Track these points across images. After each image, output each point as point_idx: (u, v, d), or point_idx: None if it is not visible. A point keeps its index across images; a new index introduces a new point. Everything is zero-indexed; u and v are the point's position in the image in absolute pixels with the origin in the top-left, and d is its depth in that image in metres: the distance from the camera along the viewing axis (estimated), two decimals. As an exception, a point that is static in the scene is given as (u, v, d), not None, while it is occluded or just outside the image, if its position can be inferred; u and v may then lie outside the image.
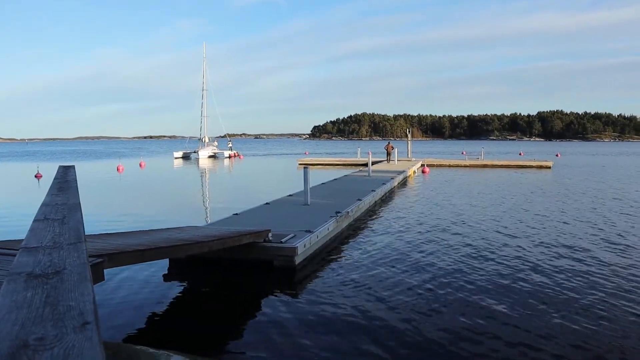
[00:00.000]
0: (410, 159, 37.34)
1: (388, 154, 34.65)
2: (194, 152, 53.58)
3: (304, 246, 8.13)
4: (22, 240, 1.91)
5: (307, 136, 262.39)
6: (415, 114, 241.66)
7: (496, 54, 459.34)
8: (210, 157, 52.27)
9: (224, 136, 62.21)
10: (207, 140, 56.81)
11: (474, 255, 8.77)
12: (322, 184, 18.31)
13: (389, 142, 36.90)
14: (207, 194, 21.37)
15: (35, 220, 2.19)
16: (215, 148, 55.32)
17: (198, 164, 42.58)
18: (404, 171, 25.09)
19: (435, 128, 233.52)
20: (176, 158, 50.88)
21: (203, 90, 58.26)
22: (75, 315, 1.04)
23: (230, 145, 56.08)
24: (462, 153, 51.89)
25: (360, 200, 13.40)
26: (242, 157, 54.96)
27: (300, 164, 37.07)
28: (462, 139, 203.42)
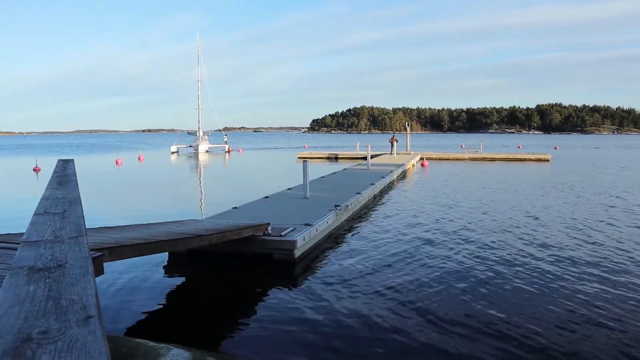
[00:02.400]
0: (409, 152, 37.38)
1: (392, 146, 34.98)
2: (189, 146, 52.76)
3: (303, 239, 8.14)
4: (23, 233, 1.91)
5: (306, 129, 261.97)
6: (414, 107, 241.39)
7: (495, 47, 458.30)
8: (206, 151, 51.40)
9: (221, 130, 61.58)
10: (201, 133, 55.50)
11: (473, 248, 8.79)
12: (322, 177, 18.31)
13: (393, 135, 37.58)
14: (206, 188, 21.36)
15: (35, 214, 2.19)
16: (207, 142, 54.24)
17: (198, 158, 42.23)
18: (403, 164, 25.09)
19: (434, 121, 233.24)
20: (172, 153, 49.75)
21: (198, 81, 56.77)
22: (78, 309, 1.05)
23: (225, 139, 55.36)
24: (461, 146, 51.89)
25: (360, 193, 13.41)
26: (241, 150, 54.86)
27: (299, 158, 37.07)
28: (461, 132, 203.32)
